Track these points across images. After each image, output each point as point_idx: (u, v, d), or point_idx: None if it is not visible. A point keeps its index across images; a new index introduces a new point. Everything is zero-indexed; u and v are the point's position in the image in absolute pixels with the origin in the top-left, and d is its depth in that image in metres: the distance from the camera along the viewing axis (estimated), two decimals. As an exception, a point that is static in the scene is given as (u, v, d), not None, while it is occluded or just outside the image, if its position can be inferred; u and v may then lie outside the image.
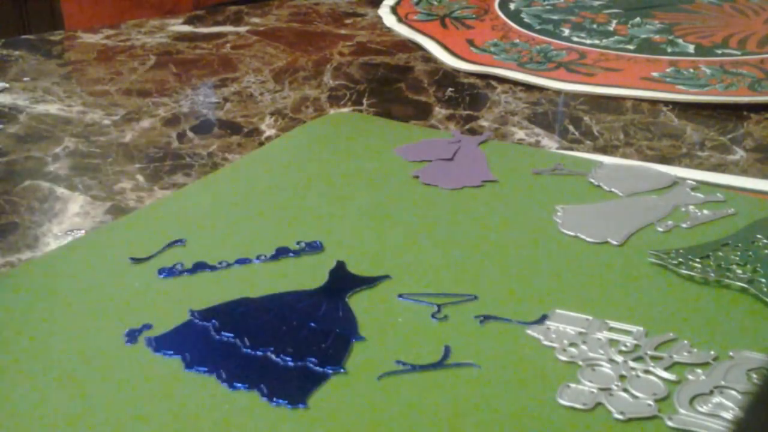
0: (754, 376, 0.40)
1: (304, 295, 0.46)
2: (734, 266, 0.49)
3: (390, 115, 0.72)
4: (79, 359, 0.42)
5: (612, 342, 0.43)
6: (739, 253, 0.50)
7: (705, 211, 0.55)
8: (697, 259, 0.49)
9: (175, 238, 0.52)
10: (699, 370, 0.41)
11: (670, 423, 0.38)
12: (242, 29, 0.94)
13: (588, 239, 0.52)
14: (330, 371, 0.41)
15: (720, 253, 0.50)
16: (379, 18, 0.97)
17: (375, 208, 0.56)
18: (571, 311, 0.45)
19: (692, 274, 0.48)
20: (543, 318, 0.44)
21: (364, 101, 0.75)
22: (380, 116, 0.72)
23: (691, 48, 0.86)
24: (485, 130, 0.67)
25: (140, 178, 0.61)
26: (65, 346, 0.42)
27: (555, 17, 0.96)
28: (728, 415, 0.38)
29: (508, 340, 0.43)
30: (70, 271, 0.49)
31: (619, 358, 0.42)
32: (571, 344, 0.43)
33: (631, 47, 0.87)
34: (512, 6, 1.00)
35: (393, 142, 0.65)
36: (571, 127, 0.70)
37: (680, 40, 0.89)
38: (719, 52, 0.85)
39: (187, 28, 0.94)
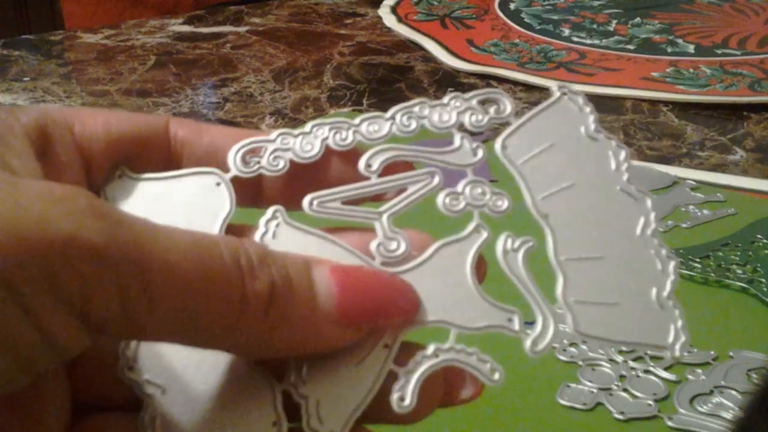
0: (754, 376, 0.40)
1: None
2: (734, 266, 0.49)
3: (390, 115, 0.72)
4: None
5: (612, 342, 0.43)
6: (739, 253, 0.50)
7: (705, 211, 0.55)
8: (697, 259, 0.49)
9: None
10: (699, 370, 0.41)
11: (670, 423, 0.38)
12: (242, 29, 0.94)
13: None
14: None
15: (720, 253, 0.50)
16: (379, 18, 0.97)
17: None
18: (571, 311, 0.45)
19: (692, 274, 0.48)
20: (543, 318, 0.44)
21: (364, 101, 0.75)
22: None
23: (691, 48, 0.86)
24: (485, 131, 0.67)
25: (140, 178, 0.61)
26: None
27: (555, 17, 0.96)
28: (728, 415, 0.38)
29: (508, 340, 0.43)
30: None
31: (619, 358, 0.42)
32: (571, 344, 0.43)
33: (631, 47, 0.87)
34: (512, 6, 1.00)
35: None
36: (571, 127, 0.70)
37: (680, 40, 0.89)
38: (719, 52, 0.85)
39: (187, 28, 0.94)
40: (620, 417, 0.38)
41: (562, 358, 0.42)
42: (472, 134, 0.27)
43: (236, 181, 0.25)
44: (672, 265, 0.24)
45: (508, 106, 0.26)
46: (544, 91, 0.78)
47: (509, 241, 0.24)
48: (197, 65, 0.84)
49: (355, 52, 0.88)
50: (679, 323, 0.23)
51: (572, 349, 0.42)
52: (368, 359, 0.23)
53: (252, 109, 0.74)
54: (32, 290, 0.17)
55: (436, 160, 0.26)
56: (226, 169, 0.25)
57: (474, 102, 0.26)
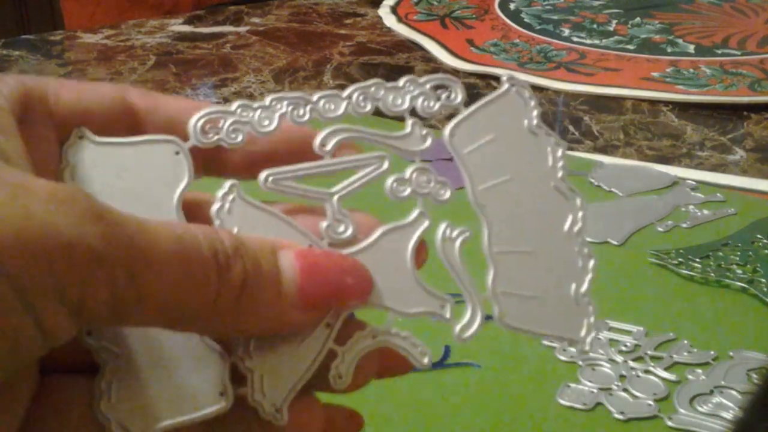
0: (754, 376, 0.40)
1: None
2: (734, 266, 0.49)
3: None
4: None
5: (612, 342, 0.43)
6: (739, 253, 0.50)
7: (705, 211, 0.55)
8: (697, 259, 0.49)
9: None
10: (699, 370, 0.41)
11: (670, 423, 0.38)
12: (242, 29, 0.94)
13: (588, 239, 0.52)
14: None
15: (720, 253, 0.50)
16: (379, 18, 0.97)
17: (375, 208, 0.56)
18: (571, 311, 0.45)
19: (692, 274, 0.48)
20: (543, 318, 0.44)
21: (364, 101, 0.75)
22: (380, 116, 0.72)
23: (691, 48, 0.86)
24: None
25: (140, 178, 0.61)
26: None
27: (555, 17, 0.96)
28: (728, 415, 0.38)
29: (508, 340, 0.43)
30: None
31: (619, 358, 0.42)
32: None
33: (631, 47, 0.87)
34: (512, 6, 1.00)
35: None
36: (571, 127, 0.70)
37: (680, 40, 0.89)
38: (719, 52, 0.85)
39: (187, 28, 0.94)
40: (620, 417, 0.38)
41: (562, 358, 0.42)
42: (424, 119, 0.27)
43: (194, 149, 0.26)
44: (591, 263, 0.26)
45: (459, 94, 0.27)
46: (544, 91, 0.78)
47: (448, 230, 0.26)
48: (197, 65, 0.84)
49: (355, 52, 0.88)
50: (592, 319, 0.26)
51: (572, 349, 0.42)
52: (311, 338, 0.24)
53: (252, 109, 0.74)
54: (35, 289, 0.19)
55: (387, 144, 0.27)
56: (185, 138, 0.26)
57: (427, 87, 0.27)
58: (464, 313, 0.25)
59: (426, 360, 0.25)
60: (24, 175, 0.21)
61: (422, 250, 0.26)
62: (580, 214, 0.26)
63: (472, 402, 0.39)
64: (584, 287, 0.26)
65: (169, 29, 0.94)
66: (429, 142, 0.27)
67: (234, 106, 0.26)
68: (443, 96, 0.27)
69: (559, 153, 0.26)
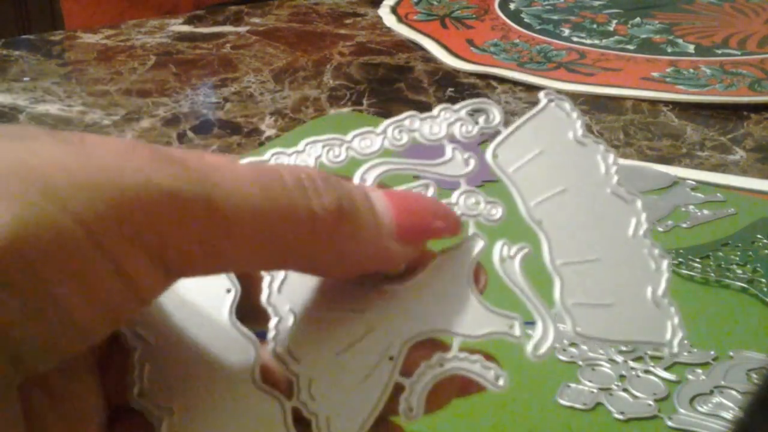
0: (754, 376, 0.40)
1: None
2: (734, 266, 0.49)
3: (390, 115, 0.71)
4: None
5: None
6: (739, 253, 0.50)
7: (705, 211, 0.55)
8: (697, 259, 0.49)
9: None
10: (699, 370, 0.41)
11: (670, 423, 0.38)
12: (242, 29, 0.94)
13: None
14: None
15: (720, 253, 0.50)
16: (379, 18, 0.97)
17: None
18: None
19: (692, 274, 0.48)
20: (543, 318, 0.44)
21: (364, 101, 0.75)
22: (380, 116, 0.72)
23: (691, 48, 0.86)
24: (485, 130, 0.67)
25: (140, 178, 0.61)
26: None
27: (555, 17, 0.96)
28: (728, 415, 0.38)
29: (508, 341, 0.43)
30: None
31: (619, 358, 0.42)
32: (571, 344, 0.43)
33: (631, 47, 0.87)
34: (512, 6, 1.00)
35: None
36: (571, 127, 0.70)
37: (680, 40, 0.89)
38: (719, 52, 0.85)
39: (187, 28, 0.94)
40: (620, 417, 0.38)
41: (562, 358, 0.42)
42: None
43: None
44: (665, 263, 0.25)
45: (497, 115, 0.26)
46: (544, 91, 0.78)
47: (506, 249, 0.25)
48: (197, 65, 0.84)
49: (355, 52, 0.88)
50: (676, 320, 0.24)
51: (572, 349, 0.42)
52: (374, 373, 0.23)
53: (252, 109, 0.74)
54: (112, 239, 0.18)
55: (430, 172, 0.26)
56: None
57: (463, 113, 0.26)
58: (535, 329, 0.24)
59: (502, 382, 0.24)
60: (84, 134, 0.20)
61: (481, 273, 0.25)
62: (643, 216, 0.25)
63: (471, 402, 0.39)
64: (662, 288, 0.25)
65: (169, 29, 0.94)
66: (472, 165, 0.26)
67: (268, 155, 0.25)
68: (481, 119, 0.26)
69: (611, 159, 0.26)
